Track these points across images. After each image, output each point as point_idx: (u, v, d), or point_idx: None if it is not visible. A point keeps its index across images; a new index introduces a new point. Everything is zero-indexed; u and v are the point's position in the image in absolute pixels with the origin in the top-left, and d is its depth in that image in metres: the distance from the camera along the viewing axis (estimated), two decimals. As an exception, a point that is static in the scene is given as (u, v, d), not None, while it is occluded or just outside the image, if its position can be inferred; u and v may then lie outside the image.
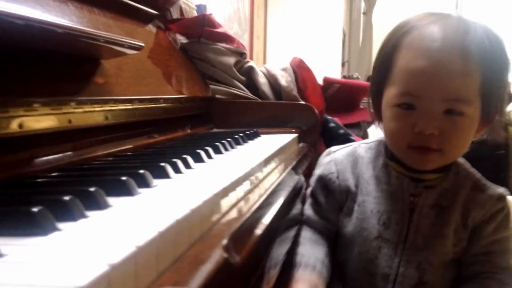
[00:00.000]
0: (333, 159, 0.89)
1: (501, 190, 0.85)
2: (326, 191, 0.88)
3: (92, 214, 0.45)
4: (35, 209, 0.39)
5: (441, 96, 0.71)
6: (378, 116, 0.84)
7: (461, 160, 0.86)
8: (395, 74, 0.76)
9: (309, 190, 0.92)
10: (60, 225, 0.41)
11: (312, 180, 0.91)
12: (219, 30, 1.44)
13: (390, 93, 0.76)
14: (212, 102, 1.41)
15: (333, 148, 0.92)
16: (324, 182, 0.88)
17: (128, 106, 0.89)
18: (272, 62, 1.61)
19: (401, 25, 0.78)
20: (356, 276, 0.84)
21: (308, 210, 0.90)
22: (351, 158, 0.88)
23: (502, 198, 0.83)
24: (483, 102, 0.74)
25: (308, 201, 0.92)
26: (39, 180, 0.60)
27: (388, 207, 0.81)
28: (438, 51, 0.72)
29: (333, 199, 0.87)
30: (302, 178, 0.99)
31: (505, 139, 3.83)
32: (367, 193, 0.84)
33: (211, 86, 1.43)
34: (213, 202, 0.53)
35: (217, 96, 1.43)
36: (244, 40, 3.34)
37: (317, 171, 0.91)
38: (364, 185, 0.84)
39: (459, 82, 0.71)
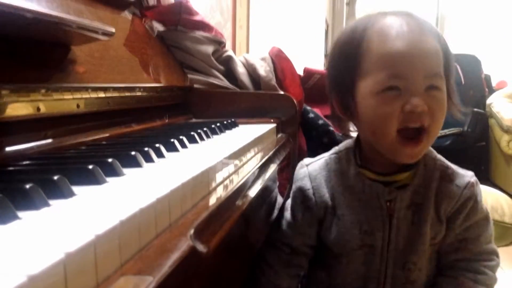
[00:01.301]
0: (307, 175, 0.88)
1: (468, 177, 0.84)
2: (304, 207, 0.88)
3: (55, 203, 0.44)
4: (-8, 197, 0.38)
5: (423, 74, 0.74)
6: (349, 114, 0.83)
7: (434, 152, 0.87)
8: (370, 63, 0.77)
9: (288, 203, 0.92)
10: (21, 213, 0.40)
11: (291, 194, 0.91)
12: (197, 18, 1.42)
13: (369, 82, 0.76)
14: (191, 92, 1.40)
15: (305, 160, 0.92)
16: (301, 197, 0.88)
17: (101, 95, 0.87)
18: (256, 52, 1.60)
19: (356, 24, 0.81)
20: (348, 281, 0.86)
21: (284, 227, 0.91)
22: (324, 172, 0.87)
23: (470, 185, 0.83)
24: (446, 81, 0.78)
25: (285, 218, 0.92)
26: (5, 169, 0.58)
27: (367, 216, 0.82)
28: (409, 32, 0.75)
29: (311, 214, 0.87)
30: (275, 170, 0.99)
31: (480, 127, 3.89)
32: (344, 206, 0.84)
33: (189, 76, 1.41)
34: (182, 192, 0.52)
35: (196, 85, 1.42)
36: (227, 30, 3.31)
37: (294, 186, 0.90)
38: (340, 198, 0.84)
39: (434, 58, 0.76)
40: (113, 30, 0.79)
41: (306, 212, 0.87)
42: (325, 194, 0.85)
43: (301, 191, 0.87)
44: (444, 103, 0.77)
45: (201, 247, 0.46)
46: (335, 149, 0.91)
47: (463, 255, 0.84)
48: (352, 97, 0.80)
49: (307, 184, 0.87)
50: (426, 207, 0.81)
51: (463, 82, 4.05)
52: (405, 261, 0.82)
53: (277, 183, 1.00)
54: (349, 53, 0.79)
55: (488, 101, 4.07)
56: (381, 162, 0.82)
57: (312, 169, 0.89)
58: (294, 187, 0.90)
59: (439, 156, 0.87)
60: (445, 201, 0.82)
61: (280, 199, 0.99)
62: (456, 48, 4.89)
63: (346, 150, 0.88)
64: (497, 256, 0.86)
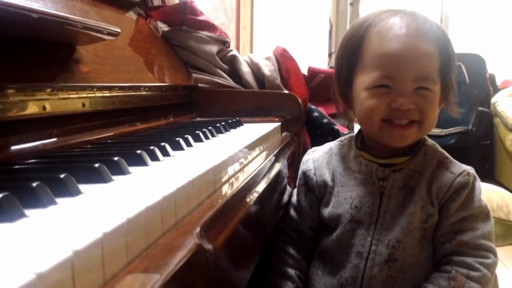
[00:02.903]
0: (311, 158, 0.97)
1: (466, 167, 0.87)
2: (306, 188, 0.95)
3: (62, 201, 0.44)
4: None
5: (413, 76, 0.80)
6: (348, 103, 0.91)
7: (430, 142, 0.91)
8: (367, 61, 0.84)
9: (293, 193, 1.00)
10: (28, 211, 0.40)
11: (297, 181, 0.99)
12: (201, 18, 1.42)
13: (365, 78, 0.84)
14: (195, 91, 1.40)
15: (313, 148, 1.00)
16: (304, 179, 0.96)
17: (106, 94, 0.87)
18: (259, 52, 1.60)
19: (363, 21, 0.87)
20: (334, 256, 0.90)
21: (291, 213, 0.97)
22: (327, 155, 0.95)
23: (465, 173, 0.85)
24: (442, 82, 0.83)
25: (291, 204, 0.99)
26: (12, 167, 0.58)
27: (359, 193, 0.88)
28: (406, 36, 0.81)
29: (313, 196, 0.94)
30: (285, 168, 0.99)
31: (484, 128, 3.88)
32: (341, 184, 0.90)
33: (194, 75, 1.41)
34: (188, 190, 0.52)
35: (200, 85, 1.42)
36: (231, 30, 3.31)
37: (299, 172, 0.98)
38: (338, 178, 0.91)
39: (426, 63, 0.81)
40: (119, 30, 0.80)
41: (308, 193, 0.95)
42: (326, 174, 0.92)
43: (304, 173, 0.96)
44: (433, 102, 0.82)
45: (207, 245, 0.46)
46: (340, 138, 0.99)
47: (458, 248, 0.84)
48: (350, 88, 0.88)
49: (309, 166, 0.96)
50: (418, 189, 0.85)
51: (467, 81, 4.04)
52: (390, 238, 0.84)
53: (285, 181, 1.00)
54: (351, 49, 0.87)
55: (492, 100, 4.06)
56: (378, 147, 0.88)
57: (316, 153, 0.97)
58: (299, 172, 0.98)
59: (442, 150, 0.90)
60: (438, 186, 0.84)
61: (286, 198, 0.99)
62: (460, 47, 4.88)
63: (350, 137, 0.96)
64: (495, 255, 0.85)
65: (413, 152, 0.87)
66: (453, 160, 0.89)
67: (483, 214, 0.85)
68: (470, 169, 0.87)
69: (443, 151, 0.90)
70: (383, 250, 0.84)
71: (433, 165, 0.86)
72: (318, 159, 0.95)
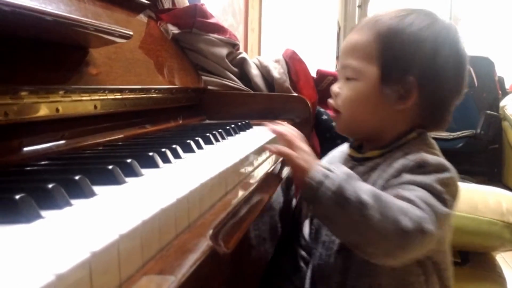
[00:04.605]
0: (327, 156, 0.98)
1: (432, 156, 0.76)
2: None
3: (77, 202, 0.44)
4: (17, 196, 0.39)
5: (340, 65, 0.86)
6: None
7: (420, 141, 0.82)
8: None
9: None
10: (44, 212, 0.40)
11: None
12: (211, 20, 1.43)
13: None
14: (205, 93, 1.41)
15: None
16: None
17: (118, 96, 0.88)
18: (267, 55, 1.61)
19: None
20: (312, 245, 0.91)
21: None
22: (334, 153, 0.96)
23: (418, 159, 0.75)
24: (386, 76, 0.79)
25: None
26: (26, 168, 0.59)
27: None
28: (353, 28, 0.86)
29: None
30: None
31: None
32: None
33: (204, 77, 1.42)
34: (201, 192, 0.52)
35: (209, 87, 1.42)
36: (239, 33, 3.32)
37: None
38: None
39: (348, 52, 0.83)
40: (131, 32, 0.80)
41: None
42: None
43: None
44: (352, 91, 0.82)
45: (220, 247, 0.47)
46: None
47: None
48: None
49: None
50: (376, 183, 0.78)
51: (476, 84, 4.02)
52: None
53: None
54: None
55: (501, 104, 4.04)
56: (360, 141, 0.89)
57: (332, 152, 0.99)
58: None
59: (426, 151, 0.79)
60: (389, 172, 0.77)
61: (295, 201, 0.99)
62: (469, 50, 4.85)
63: None
64: (428, 218, 0.68)
65: (386, 147, 0.82)
66: (431, 157, 0.76)
67: (433, 191, 0.71)
68: (430, 156, 0.76)
69: (424, 153, 0.78)
70: (337, 240, 0.83)
71: (396, 157, 0.79)
72: (328, 157, 0.96)
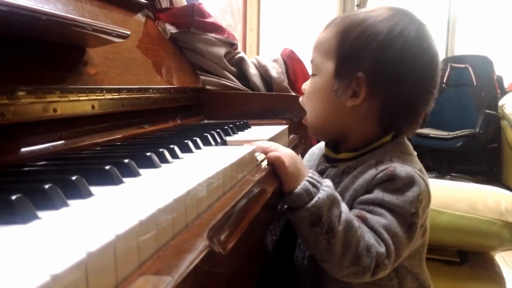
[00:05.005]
0: (308, 153, 0.98)
1: (398, 167, 0.75)
2: None
3: (74, 203, 0.44)
4: (13, 197, 0.38)
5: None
6: None
7: (395, 150, 0.80)
8: None
9: None
10: (41, 213, 0.40)
11: None
12: (209, 20, 1.42)
13: None
14: (203, 93, 1.41)
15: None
16: None
17: (115, 96, 0.88)
18: (266, 55, 1.61)
19: None
20: (293, 248, 0.90)
21: None
22: (316, 150, 0.95)
23: (388, 170, 0.74)
24: (335, 73, 0.79)
25: None
26: (23, 169, 0.59)
27: None
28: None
29: None
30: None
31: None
32: None
33: (202, 77, 1.42)
34: (198, 192, 0.52)
35: (208, 87, 1.42)
36: (237, 32, 3.32)
37: None
38: None
39: (314, 49, 0.84)
40: (128, 32, 0.80)
41: None
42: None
43: None
44: (311, 87, 0.83)
45: (217, 248, 0.47)
46: None
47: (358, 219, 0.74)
48: None
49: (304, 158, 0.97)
50: (348, 188, 0.78)
51: (475, 84, 4.03)
52: None
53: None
54: None
55: (500, 103, 4.04)
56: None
57: (312, 148, 0.97)
58: None
59: (401, 160, 0.77)
60: (359, 183, 0.76)
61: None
62: (468, 49, 4.86)
63: None
64: (387, 255, 0.71)
65: (358, 150, 0.81)
66: (402, 170, 0.74)
67: (401, 215, 0.72)
68: (400, 167, 0.74)
69: (399, 162, 0.76)
70: None
71: (369, 164, 0.77)
72: (308, 154, 0.96)
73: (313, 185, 0.71)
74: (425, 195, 0.75)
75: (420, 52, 0.78)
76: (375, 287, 0.78)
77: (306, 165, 0.90)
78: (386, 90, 0.78)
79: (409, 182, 0.74)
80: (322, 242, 0.70)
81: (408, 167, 0.75)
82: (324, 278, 0.80)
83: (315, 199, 0.70)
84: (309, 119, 0.86)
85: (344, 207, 0.73)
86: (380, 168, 0.75)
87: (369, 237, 0.71)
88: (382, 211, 0.73)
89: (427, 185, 0.76)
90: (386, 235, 0.71)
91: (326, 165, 0.85)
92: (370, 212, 0.73)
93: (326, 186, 0.72)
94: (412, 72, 0.77)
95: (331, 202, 0.71)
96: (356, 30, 0.78)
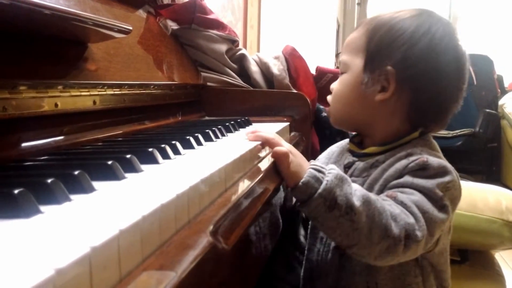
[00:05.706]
0: (324, 152, 0.97)
1: (428, 158, 0.75)
2: None
3: (76, 198, 0.44)
4: (16, 191, 0.38)
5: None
6: None
7: (424, 146, 0.80)
8: None
9: None
10: (44, 208, 0.40)
11: None
12: (211, 16, 1.42)
13: None
14: (204, 90, 1.40)
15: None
16: None
17: (117, 91, 0.87)
18: (266, 52, 1.60)
19: None
20: (309, 240, 0.90)
21: None
22: (336, 149, 0.94)
23: (420, 160, 0.74)
24: (365, 68, 0.81)
25: None
26: (25, 163, 0.59)
27: None
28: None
29: None
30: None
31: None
32: None
33: (203, 74, 1.41)
34: (201, 188, 0.52)
35: (209, 83, 1.42)
36: (238, 29, 3.31)
37: None
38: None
39: (344, 49, 0.86)
40: (130, 27, 0.80)
41: None
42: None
43: None
44: (340, 85, 0.85)
45: (220, 244, 0.46)
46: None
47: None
48: None
49: (318, 157, 0.98)
50: (377, 179, 0.78)
51: (475, 83, 4.03)
52: None
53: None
54: None
55: (500, 102, 4.04)
56: (361, 137, 0.89)
57: (330, 148, 0.97)
58: None
59: (428, 155, 0.77)
60: (390, 173, 0.76)
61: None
62: (468, 48, 4.85)
63: None
64: (419, 228, 0.69)
65: (386, 144, 0.81)
66: (434, 159, 0.75)
67: (430, 197, 0.72)
68: (432, 158, 0.75)
69: (427, 155, 0.77)
70: None
71: (399, 157, 0.78)
72: (326, 152, 0.96)
73: (319, 171, 0.71)
74: (456, 186, 0.75)
75: (446, 49, 0.79)
76: (400, 282, 0.77)
77: (325, 162, 0.90)
78: (414, 86, 0.79)
79: (442, 171, 0.74)
80: (345, 224, 0.68)
81: (440, 159, 0.77)
82: (349, 271, 0.79)
83: (324, 182, 0.69)
84: (333, 112, 0.87)
85: (356, 185, 0.72)
86: (412, 158, 0.76)
87: (393, 208, 0.69)
88: (412, 191, 0.72)
89: (458, 179, 0.76)
90: (415, 209, 0.70)
91: (354, 159, 0.85)
92: (400, 192, 0.73)
93: (331, 168, 0.72)
94: (439, 69, 0.79)
95: (341, 181, 0.70)
96: (384, 27, 0.81)
